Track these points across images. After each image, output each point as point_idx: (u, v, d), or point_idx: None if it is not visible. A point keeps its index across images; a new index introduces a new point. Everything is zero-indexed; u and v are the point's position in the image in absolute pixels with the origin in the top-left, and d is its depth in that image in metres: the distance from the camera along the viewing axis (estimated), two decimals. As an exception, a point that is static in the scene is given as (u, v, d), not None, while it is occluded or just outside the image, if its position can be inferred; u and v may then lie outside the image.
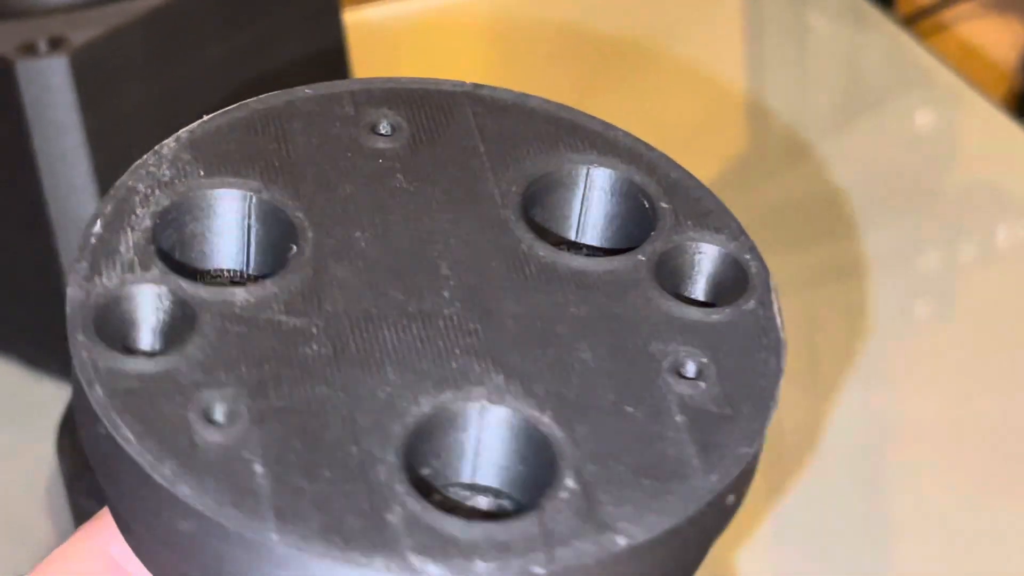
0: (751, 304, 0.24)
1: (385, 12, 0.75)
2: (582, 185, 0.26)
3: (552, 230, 0.26)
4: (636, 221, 0.26)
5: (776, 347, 0.24)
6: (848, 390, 0.54)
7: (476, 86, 0.27)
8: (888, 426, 0.52)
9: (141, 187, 0.24)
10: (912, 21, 0.78)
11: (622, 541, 0.21)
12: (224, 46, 0.52)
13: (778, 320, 0.24)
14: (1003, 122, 0.67)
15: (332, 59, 0.58)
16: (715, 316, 0.24)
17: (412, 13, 0.76)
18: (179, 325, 0.23)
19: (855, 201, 0.63)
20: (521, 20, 0.76)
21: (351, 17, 0.64)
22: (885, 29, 0.74)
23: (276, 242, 0.24)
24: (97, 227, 0.23)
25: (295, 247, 0.24)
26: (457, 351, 0.23)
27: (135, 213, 0.23)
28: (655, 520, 0.21)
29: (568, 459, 0.22)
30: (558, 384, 0.23)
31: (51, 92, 0.47)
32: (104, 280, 0.22)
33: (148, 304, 0.23)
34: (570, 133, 0.26)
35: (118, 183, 0.24)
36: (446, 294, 0.23)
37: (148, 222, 0.23)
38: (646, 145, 0.27)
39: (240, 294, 0.23)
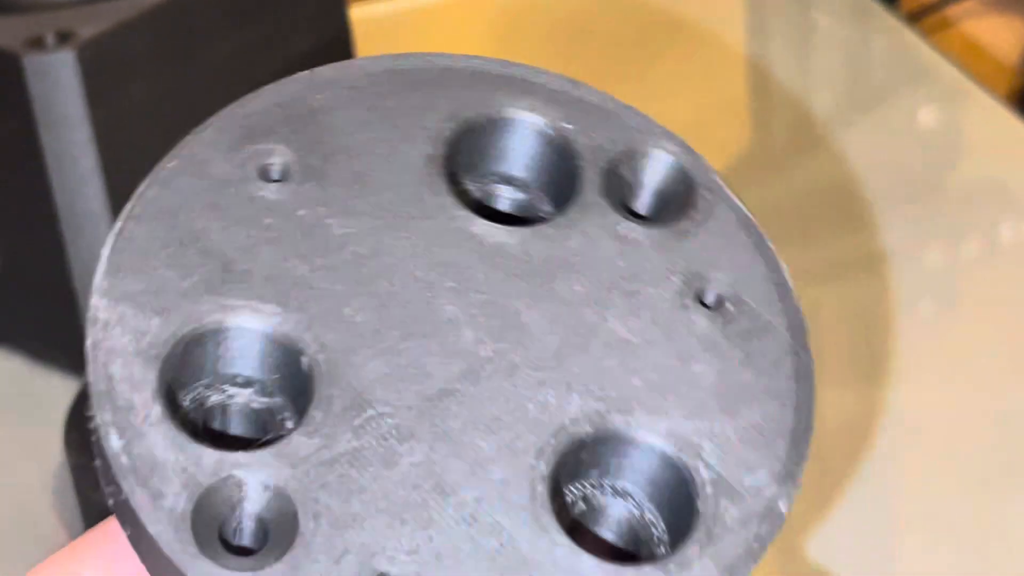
0: (707, 196, 0.24)
1: (391, 7, 0.75)
2: (481, 132, 0.25)
3: (474, 171, 0.25)
4: (545, 149, 0.25)
5: (755, 235, 0.24)
6: (850, 386, 0.54)
7: (312, 73, 0.25)
8: (889, 422, 0.52)
9: (117, 372, 0.22)
10: (916, 18, 0.78)
11: (783, 507, 0.22)
12: (231, 41, 0.52)
13: (735, 200, 0.25)
14: (1007, 118, 0.67)
15: (338, 54, 0.58)
16: (690, 231, 0.24)
17: (417, 8, 0.76)
18: (270, 504, 0.21)
19: (858, 198, 0.63)
20: (526, 14, 0.76)
21: (357, 12, 0.64)
22: (889, 26, 0.74)
23: (273, 360, 0.23)
24: (115, 441, 0.21)
25: (304, 359, 0.22)
26: (522, 389, 0.22)
27: (134, 406, 0.21)
28: (790, 475, 0.22)
29: (687, 447, 0.22)
30: (627, 378, 0.23)
31: (58, 86, 0.47)
32: (174, 502, 0.21)
33: (229, 503, 0.21)
34: (433, 83, 0.25)
35: (93, 375, 0.22)
36: (470, 334, 0.23)
37: (158, 409, 0.21)
38: (510, 64, 0.26)
39: (304, 444, 0.22)
